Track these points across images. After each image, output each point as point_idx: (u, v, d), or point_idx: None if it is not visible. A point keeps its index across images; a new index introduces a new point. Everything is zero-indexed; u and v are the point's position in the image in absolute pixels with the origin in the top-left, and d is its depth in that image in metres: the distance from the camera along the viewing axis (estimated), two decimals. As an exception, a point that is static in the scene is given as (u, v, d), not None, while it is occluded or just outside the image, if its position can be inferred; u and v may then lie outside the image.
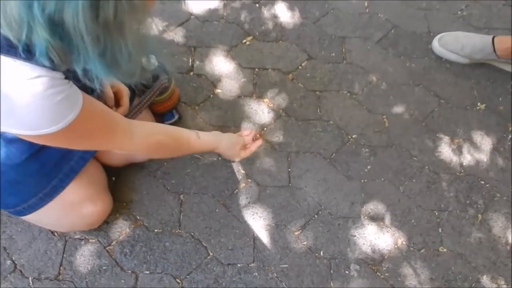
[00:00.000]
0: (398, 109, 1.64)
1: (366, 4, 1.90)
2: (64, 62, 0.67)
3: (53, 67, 0.71)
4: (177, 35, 1.73)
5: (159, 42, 0.78)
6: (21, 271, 1.26)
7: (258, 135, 1.39)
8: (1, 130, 0.78)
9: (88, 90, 0.94)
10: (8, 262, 1.27)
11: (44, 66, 0.70)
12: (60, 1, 0.57)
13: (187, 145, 1.20)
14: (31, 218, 1.19)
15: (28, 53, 0.67)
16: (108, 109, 0.97)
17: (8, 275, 1.25)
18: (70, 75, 0.76)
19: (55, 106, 0.75)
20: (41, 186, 1.13)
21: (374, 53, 1.77)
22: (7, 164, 1.07)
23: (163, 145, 1.13)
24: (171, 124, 1.49)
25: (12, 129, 0.77)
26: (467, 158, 1.56)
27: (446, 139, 1.59)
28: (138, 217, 1.36)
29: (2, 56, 0.68)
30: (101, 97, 1.11)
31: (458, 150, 1.57)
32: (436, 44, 1.77)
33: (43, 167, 1.11)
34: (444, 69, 1.76)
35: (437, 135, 1.59)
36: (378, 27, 1.84)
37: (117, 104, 1.25)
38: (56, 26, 0.60)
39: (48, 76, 0.72)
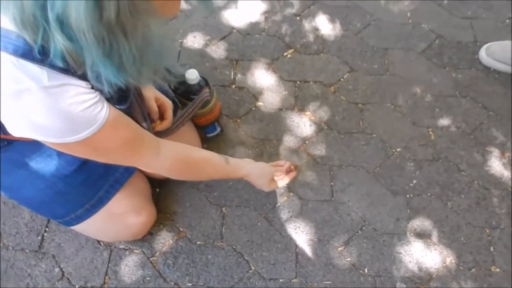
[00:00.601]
0: (444, 121, 1.59)
1: (408, 14, 1.87)
2: (77, 65, 0.67)
3: (74, 72, 0.71)
4: (219, 48, 1.76)
5: (169, 46, 0.75)
6: (68, 279, 1.29)
7: (292, 167, 1.35)
8: (20, 135, 0.78)
9: (126, 98, 0.94)
10: (56, 269, 1.30)
11: (72, 73, 0.70)
12: (65, 1, 0.56)
13: (215, 169, 1.18)
14: (78, 228, 1.22)
15: (43, 55, 0.67)
16: (136, 125, 0.96)
17: (56, 282, 1.28)
18: (104, 86, 0.75)
19: (78, 116, 0.75)
20: (88, 197, 1.16)
21: (417, 64, 1.73)
22: (56, 175, 1.10)
23: (190, 168, 1.12)
24: (213, 136, 1.50)
25: (34, 135, 0.77)
26: (519, 173, 1.49)
27: (496, 152, 1.53)
28: (181, 229, 1.37)
29: (27, 62, 0.68)
30: (143, 108, 1.13)
31: (509, 164, 1.51)
32: (483, 54, 1.72)
33: (90, 178, 1.13)
34: (492, 79, 1.70)
35: (486, 148, 1.54)
36: (422, 37, 1.80)
37: (161, 117, 1.27)
38: (65, 27, 0.59)
39: (73, 84, 0.72)
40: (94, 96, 0.77)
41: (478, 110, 1.62)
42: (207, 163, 1.16)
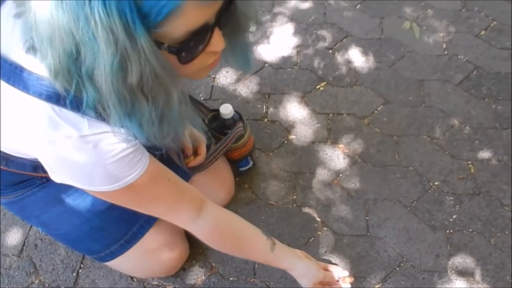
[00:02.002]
0: (485, 154, 1.53)
1: (444, 46, 1.84)
2: (108, 116, 0.67)
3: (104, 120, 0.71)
4: (251, 83, 1.78)
5: (190, 112, 0.75)
6: (101, 315, 1.29)
7: (347, 279, 1.21)
8: (60, 182, 0.80)
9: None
10: (90, 305, 1.31)
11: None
12: (94, 58, 0.57)
13: (255, 253, 1.12)
14: (112, 263, 1.23)
15: (76, 104, 0.68)
16: (178, 181, 0.94)
17: (90, 319, 1.29)
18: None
19: (116, 164, 0.75)
20: (123, 233, 1.17)
21: (455, 95, 1.69)
22: (92, 211, 1.12)
23: (227, 242, 1.07)
24: (246, 170, 1.50)
25: (72, 182, 0.79)
26: None
27: (541, 187, 1.46)
28: (213, 264, 1.36)
29: (67, 110, 0.69)
30: (179, 147, 1.14)
31: (557, 199, 1.43)
32: (524, 85, 1.67)
33: (125, 214, 1.13)
34: (535, 110, 1.64)
35: (530, 182, 1.47)
36: (459, 69, 1.76)
37: (194, 152, 1.28)
38: (94, 82, 0.61)
39: (112, 132, 0.72)
40: (133, 144, 0.76)
41: (520, 141, 1.56)
42: (248, 244, 1.09)
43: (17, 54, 0.71)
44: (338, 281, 1.20)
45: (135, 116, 0.65)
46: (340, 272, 1.22)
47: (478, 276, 1.30)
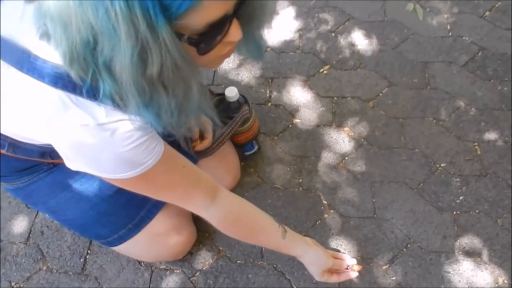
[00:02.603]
0: (491, 135, 1.53)
1: (448, 27, 1.83)
2: (125, 105, 0.67)
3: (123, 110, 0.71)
4: (254, 67, 1.76)
5: (205, 100, 0.75)
6: (110, 300, 1.30)
7: (355, 267, 1.21)
8: (76, 169, 0.80)
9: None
10: (99, 291, 1.31)
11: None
12: (113, 49, 0.56)
13: (266, 240, 1.13)
14: (120, 248, 1.23)
15: (92, 93, 0.67)
16: (192, 167, 0.94)
17: (99, 304, 1.29)
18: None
19: (132, 152, 0.75)
20: (130, 217, 1.16)
21: (460, 77, 1.68)
22: (99, 196, 1.11)
23: (240, 229, 1.08)
24: (251, 154, 1.50)
25: (88, 169, 0.79)
26: None
27: (548, 166, 1.46)
28: (220, 248, 1.36)
29: (83, 99, 0.69)
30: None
31: None
32: (529, 65, 1.66)
33: (132, 198, 1.13)
34: (541, 90, 1.63)
35: (537, 162, 1.47)
36: (463, 50, 1.75)
37: (201, 136, 1.28)
38: (112, 72, 0.60)
39: (129, 120, 0.72)
40: (149, 132, 0.76)
41: (526, 122, 1.56)
42: (260, 231, 1.10)
43: (29, 41, 0.70)
44: (346, 269, 1.21)
45: (153, 106, 0.66)
46: (348, 260, 1.22)
47: (485, 256, 1.31)
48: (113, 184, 1.10)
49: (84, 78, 0.63)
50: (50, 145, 0.79)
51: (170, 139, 0.86)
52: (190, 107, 0.70)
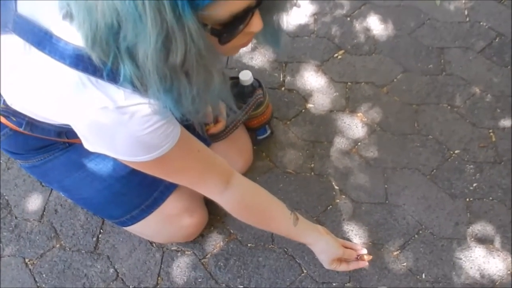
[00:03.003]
0: (506, 122, 1.51)
1: (466, 12, 1.80)
2: (144, 90, 0.68)
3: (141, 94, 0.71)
4: (268, 51, 1.75)
5: (226, 88, 0.76)
6: (122, 280, 1.31)
7: (365, 257, 1.21)
8: (94, 151, 0.81)
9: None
10: (111, 270, 1.33)
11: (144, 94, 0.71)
12: (137, 35, 0.57)
13: (278, 227, 1.13)
14: (132, 228, 1.25)
15: (112, 76, 0.68)
16: (208, 152, 0.95)
17: (111, 283, 1.31)
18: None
19: (150, 136, 0.75)
20: (144, 198, 1.18)
21: (476, 63, 1.65)
22: (113, 176, 1.13)
23: (252, 215, 1.09)
24: (263, 139, 1.50)
25: (106, 151, 0.80)
26: None
27: (563, 156, 1.44)
28: (232, 231, 1.37)
29: (104, 82, 0.69)
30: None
31: None
32: (548, 52, 1.62)
33: (146, 179, 1.14)
34: (558, 78, 1.60)
35: (552, 150, 1.45)
36: (481, 36, 1.72)
37: (215, 119, 1.28)
38: (134, 58, 0.61)
39: (148, 103, 0.72)
40: (167, 115, 0.76)
41: (542, 110, 1.53)
42: (272, 217, 1.11)
43: (51, 21, 0.70)
44: (357, 258, 1.20)
45: (173, 93, 0.66)
46: (359, 250, 1.22)
47: (497, 243, 1.30)
48: (127, 165, 1.12)
49: (105, 61, 0.64)
50: (67, 125, 0.80)
51: (186, 123, 0.87)
52: (210, 95, 0.71)
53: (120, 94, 0.70)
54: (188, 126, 1.10)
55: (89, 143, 0.80)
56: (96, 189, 1.14)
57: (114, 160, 1.10)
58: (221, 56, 0.73)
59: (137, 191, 1.16)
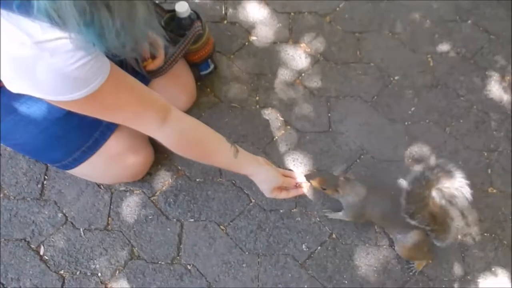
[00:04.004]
0: (444, 47, 1.55)
1: None
2: (63, 24, 0.63)
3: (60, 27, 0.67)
4: (208, -17, 1.68)
5: (152, 20, 0.72)
6: (72, 223, 1.31)
7: (302, 184, 1.23)
8: (18, 92, 0.77)
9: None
10: (60, 215, 1.32)
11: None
12: None
13: (218, 159, 1.13)
14: (77, 171, 1.23)
15: (25, 9, 0.63)
16: (142, 87, 0.92)
17: (61, 227, 1.30)
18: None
19: (76, 72, 0.72)
20: (84, 139, 1.15)
21: (416, -12, 1.66)
22: (49, 119, 1.09)
23: (192, 149, 1.08)
24: (207, 74, 1.47)
25: (31, 92, 0.76)
26: (519, 95, 1.47)
27: (496, 76, 1.50)
28: (179, 168, 1.37)
29: (17, 15, 0.65)
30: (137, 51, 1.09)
31: (509, 88, 1.48)
32: (485, -25, 1.64)
33: (84, 120, 1.10)
34: (495, 2, 1.63)
35: (486, 72, 1.50)
36: (421, -40, 1.71)
37: (152, 56, 1.24)
38: None
39: (69, 38, 0.68)
40: (92, 51, 0.72)
41: (479, 34, 1.57)
42: (213, 151, 1.11)
43: None
44: (296, 186, 1.23)
45: (95, 27, 0.63)
46: (298, 178, 1.25)
47: (433, 162, 1.36)
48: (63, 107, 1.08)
49: None
50: None
51: (117, 59, 0.83)
52: (136, 28, 0.67)
53: (36, 28, 0.66)
54: (122, 63, 1.06)
55: (11, 84, 0.76)
56: (31, 133, 1.10)
57: (48, 102, 1.07)
58: None
59: (76, 132, 1.13)
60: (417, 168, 1.10)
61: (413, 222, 1.09)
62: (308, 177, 1.21)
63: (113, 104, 0.88)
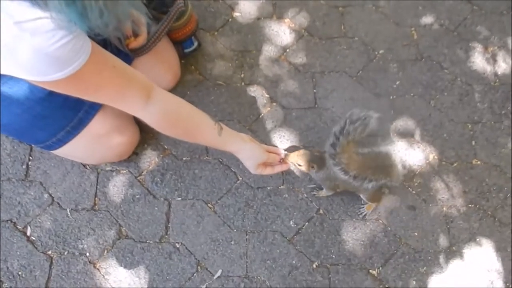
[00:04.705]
0: (428, 19, 1.54)
1: None
2: (45, 2, 0.63)
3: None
4: (189, -42, 1.65)
5: (133, 3, 0.72)
6: (58, 204, 1.30)
7: (285, 159, 1.22)
8: (6, 73, 0.76)
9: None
10: (46, 195, 1.31)
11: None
12: None
13: (203, 137, 1.13)
14: (62, 152, 1.21)
15: None
16: (124, 66, 0.91)
17: (47, 208, 1.29)
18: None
19: (58, 52, 0.71)
20: (68, 119, 1.14)
21: (400, -39, 1.65)
22: (32, 99, 1.07)
23: (176, 127, 1.07)
24: (191, 51, 1.46)
25: (13, 72, 0.75)
26: (502, 67, 1.48)
27: (479, 48, 1.51)
28: (166, 147, 1.37)
29: None
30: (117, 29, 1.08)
31: (492, 59, 1.49)
32: None
33: (68, 100, 1.08)
34: (478, -27, 1.63)
35: (469, 44, 1.51)
36: None
37: (135, 34, 1.22)
38: None
39: (49, 18, 0.67)
40: (73, 31, 0.71)
41: (462, 5, 1.57)
42: (197, 128, 1.10)
43: None
44: (280, 162, 1.23)
45: (77, 5, 0.62)
46: (282, 154, 1.24)
47: (418, 136, 1.38)
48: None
49: None
50: None
51: (99, 38, 0.82)
52: (118, 6, 0.67)
53: (16, 8, 0.66)
54: (105, 42, 1.05)
55: None
56: (14, 113, 1.09)
57: (30, 82, 1.05)
58: None
59: (60, 112, 1.12)
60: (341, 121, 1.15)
61: (334, 164, 1.14)
62: (286, 155, 1.21)
63: (96, 84, 0.87)
